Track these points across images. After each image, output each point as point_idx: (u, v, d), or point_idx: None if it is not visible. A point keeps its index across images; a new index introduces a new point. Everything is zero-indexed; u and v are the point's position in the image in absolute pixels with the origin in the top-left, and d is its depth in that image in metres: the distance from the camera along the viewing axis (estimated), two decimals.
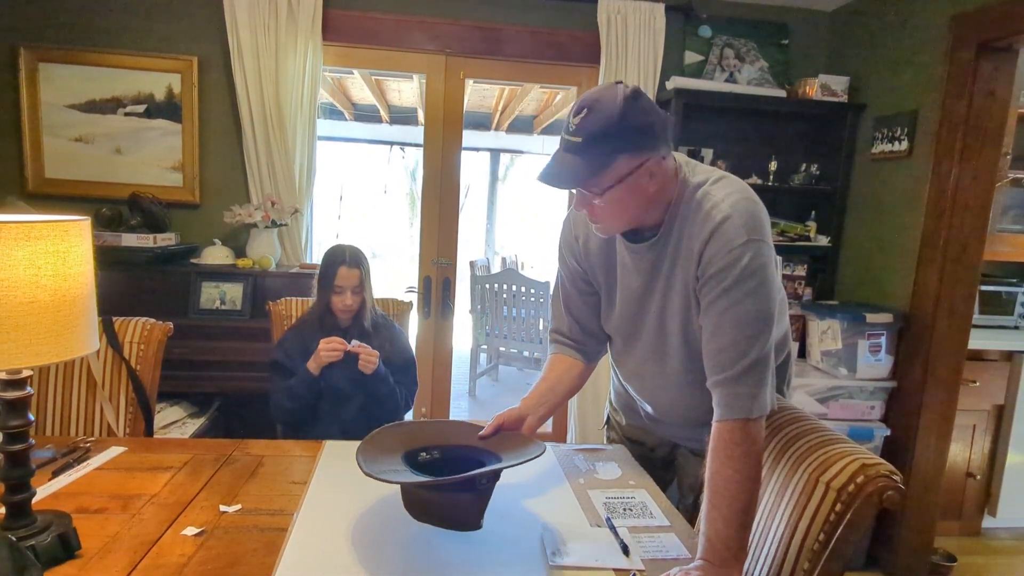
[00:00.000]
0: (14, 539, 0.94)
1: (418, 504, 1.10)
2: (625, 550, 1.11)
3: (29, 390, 1.03)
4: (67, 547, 1.02)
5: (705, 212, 1.12)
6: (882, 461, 0.97)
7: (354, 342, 1.78)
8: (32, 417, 1.05)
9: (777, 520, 1.09)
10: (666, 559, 1.09)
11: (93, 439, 1.49)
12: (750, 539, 1.05)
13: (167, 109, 2.72)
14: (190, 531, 1.11)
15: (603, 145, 1.06)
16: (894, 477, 0.94)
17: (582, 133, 1.05)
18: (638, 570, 1.05)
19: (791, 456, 1.12)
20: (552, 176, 1.09)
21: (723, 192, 1.13)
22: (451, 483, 1.05)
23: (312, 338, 1.80)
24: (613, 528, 1.18)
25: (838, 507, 0.96)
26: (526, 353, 4.60)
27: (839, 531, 0.95)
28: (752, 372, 1.07)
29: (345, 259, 1.83)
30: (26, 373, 1.02)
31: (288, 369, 1.83)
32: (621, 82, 1.08)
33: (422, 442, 1.21)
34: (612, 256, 1.30)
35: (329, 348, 1.75)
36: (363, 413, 1.86)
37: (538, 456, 1.12)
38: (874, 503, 0.93)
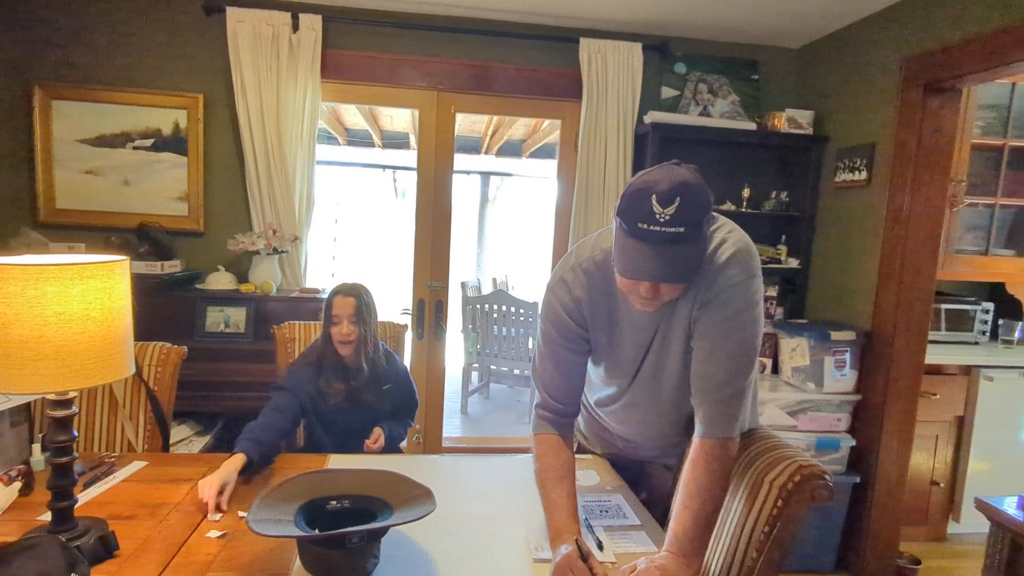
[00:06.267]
0: (64, 539, 1.08)
1: (305, 557, 1.11)
2: (600, 545, 1.26)
3: (74, 409, 1.17)
4: (107, 547, 1.16)
5: (711, 250, 1.22)
6: (816, 463, 1.13)
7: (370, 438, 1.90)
8: (76, 433, 1.19)
9: (731, 515, 1.24)
10: (636, 552, 1.24)
11: (116, 455, 1.62)
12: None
13: (174, 143, 2.88)
14: (213, 534, 1.25)
15: (701, 227, 1.12)
16: (824, 476, 1.10)
17: (683, 223, 1.07)
18: (610, 563, 1.20)
19: (743, 460, 1.28)
20: (666, 274, 1.11)
21: (724, 231, 1.25)
22: (317, 539, 1.06)
23: (309, 374, 1.87)
24: (590, 527, 1.33)
25: (779, 503, 1.12)
26: (516, 371, 4.73)
27: (779, 524, 1.11)
28: (738, 395, 1.22)
29: (342, 289, 1.92)
30: (72, 394, 1.16)
31: (291, 392, 1.82)
32: (677, 162, 1.13)
33: (336, 490, 1.21)
34: (615, 309, 1.34)
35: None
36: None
37: (427, 515, 1.10)
38: (807, 498, 1.09)
